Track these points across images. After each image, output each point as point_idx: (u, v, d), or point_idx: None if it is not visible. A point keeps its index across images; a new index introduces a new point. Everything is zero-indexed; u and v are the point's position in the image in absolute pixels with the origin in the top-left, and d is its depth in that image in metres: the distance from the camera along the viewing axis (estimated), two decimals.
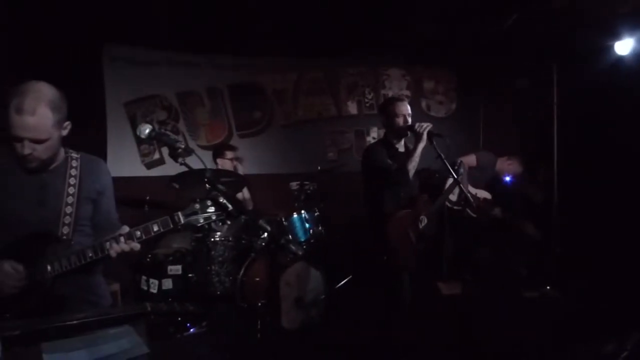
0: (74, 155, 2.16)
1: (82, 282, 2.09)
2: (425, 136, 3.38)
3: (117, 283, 4.19)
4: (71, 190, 2.08)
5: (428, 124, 3.42)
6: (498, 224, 5.33)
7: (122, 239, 1.96)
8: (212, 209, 2.01)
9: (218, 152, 4.92)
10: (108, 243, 1.96)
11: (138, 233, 1.98)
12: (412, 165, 3.43)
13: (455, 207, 4.96)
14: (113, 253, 1.96)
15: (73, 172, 2.12)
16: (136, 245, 1.99)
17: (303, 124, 6.15)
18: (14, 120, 1.88)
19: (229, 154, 4.87)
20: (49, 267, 1.93)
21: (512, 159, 5.52)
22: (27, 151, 1.93)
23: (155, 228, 1.99)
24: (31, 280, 1.92)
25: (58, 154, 2.11)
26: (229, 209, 2.02)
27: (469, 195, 3.37)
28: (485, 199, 5.23)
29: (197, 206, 2.00)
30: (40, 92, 1.93)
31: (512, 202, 5.52)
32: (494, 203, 5.29)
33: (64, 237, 2.02)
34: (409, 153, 3.45)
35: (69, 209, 2.06)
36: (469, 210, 5.01)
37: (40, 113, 1.90)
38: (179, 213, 1.99)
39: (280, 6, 4.88)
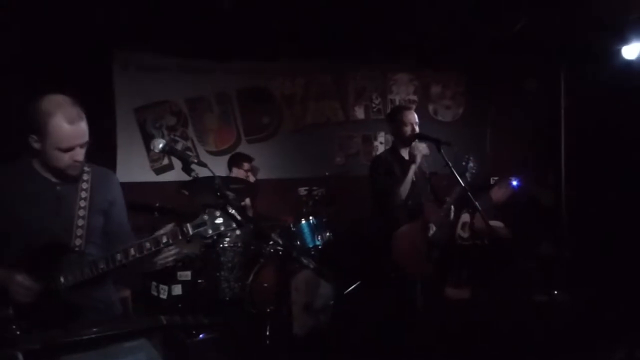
0: (86, 168, 2.19)
1: (93, 291, 2.10)
2: (418, 159, 3.47)
3: (127, 290, 4.22)
4: (82, 203, 2.11)
5: (424, 146, 3.49)
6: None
7: (132, 250, 1.97)
8: (220, 220, 2.00)
9: (235, 162, 4.99)
10: (119, 255, 1.97)
11: (147, 245, 1.98)
12: (404, 189, 3.49)
13: (465, 243, 5.00)
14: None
15: (84, 185, 2.15)
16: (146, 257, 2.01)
17: (312, 129, 6.15)
18: (67, 131, 1.95)
19: (246, 166, 4.95)
20: (62, 279, 1.95)
21: (502, 185, 5.55)
22: (81, 157, 2.03)
23: (164, 240, 1.99)
24: (45, 291, 1.94)
25: None
26: (238, 220, 2.02)
27: (476, 203, 3.36)
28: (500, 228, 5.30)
29: (206, 217, 2.00)
30: (68, 100, 2.01)
31: (521, 207, 5.53)
32: (508, 230, 5.34)
33: (77, 249, 2.05)
34: (399, 178, 3.49)
35: (80, 222, 2.08)
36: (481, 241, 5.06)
37: (84, 118, 2.01)
38: (188, 225, 1.99)
39: (288, 11, 4.90)
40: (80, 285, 1.98)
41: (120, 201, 2.30)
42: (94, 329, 1.73)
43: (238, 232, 4.14)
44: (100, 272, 1.98)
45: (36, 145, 1.99)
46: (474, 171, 3.63)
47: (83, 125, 2.00)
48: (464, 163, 3.56)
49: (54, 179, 2.10)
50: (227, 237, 4.37)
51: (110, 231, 2.22)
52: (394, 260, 3.44)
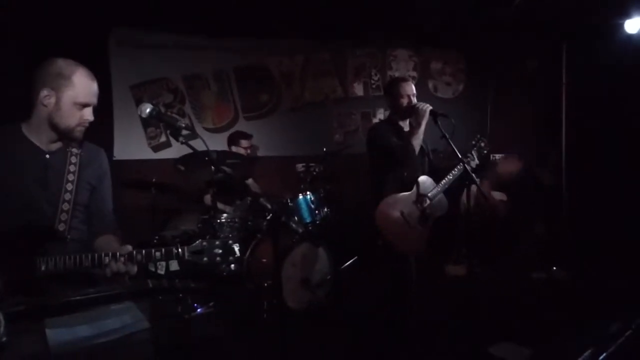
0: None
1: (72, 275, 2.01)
2: (427, 114, 3.36)
3: None
4: (70, 177, 2.08)
5: (428, 105, 3.43)
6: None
7: (122, 259, 1.90)
8: (219, 251, 1.95)
9: (233, 140, 4.96)
10: (107, 258, 1.89)
11: (139, 257, 1.92)
12: (417, 142, 3.39)
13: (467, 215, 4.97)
14: (109, 273, 1.89)
15: (73, 159, 2.11)
16: (133, 269, 1.92)
17: (310, 107, 6.14)
18: (87, 86, 2.01)
19: (244, 143, 4.91)
20: (43, 267, 1.86)
21: (510, 159, 5.51)
22: (91, 117, 2.06)
23: (158, 255, 1.94)
24: (22, 275, 1.86)
25: None
26: (236, 255, 1.96)
27: (473, 175, 3.32)
28: (501, 201, 5.28)
29: (205, 244, 1.96)
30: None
31: (522, 185, 5.50)
32: (510, 203, 5.33)
33: (61, 226, 2.01)
34: (413, 130, 3.43)
35: (67, 196, 2.05)
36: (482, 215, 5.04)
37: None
38: (185, 248, 1.94)
39: None
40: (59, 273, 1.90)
41: (108, 180, 2.26)
42: (80, 292, 1.71)
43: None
44: (82, 268, 1.90)
45: (47, 101, 1.97)
46: (485, 151, 3.59)
47: (96, 87, 2.07)
48: (473, 142, 3.53)
49: (43, 147, 2.05)
50: (224, 213, 4.37)
51: (92, 207, 2.17)
52: (377, 228, 3.38)
